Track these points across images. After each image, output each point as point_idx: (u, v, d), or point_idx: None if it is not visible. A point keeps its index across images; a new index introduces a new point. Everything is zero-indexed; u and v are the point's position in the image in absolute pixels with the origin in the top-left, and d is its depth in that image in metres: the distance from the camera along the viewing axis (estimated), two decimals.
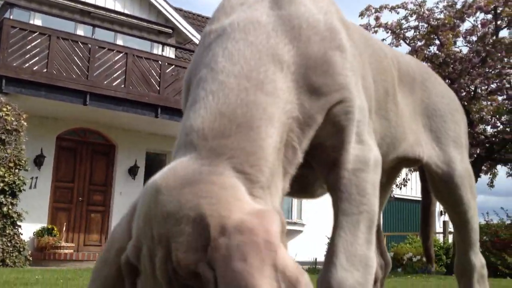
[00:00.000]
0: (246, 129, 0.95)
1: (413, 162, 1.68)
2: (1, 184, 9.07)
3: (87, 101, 10.77)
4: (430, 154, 1.66)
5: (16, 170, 9.37)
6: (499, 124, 13.24)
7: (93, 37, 11.91)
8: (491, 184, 12.83)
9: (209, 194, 0.87)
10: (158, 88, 11.79)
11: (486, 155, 11.87)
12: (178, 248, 0.84)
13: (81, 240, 12.06)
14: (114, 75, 11.23)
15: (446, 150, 1.69)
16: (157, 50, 13.44)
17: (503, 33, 11.76)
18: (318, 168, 1.21)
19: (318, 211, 14.03)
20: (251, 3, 1.12)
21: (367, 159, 1.15)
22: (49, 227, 11.26)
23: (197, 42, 13.00)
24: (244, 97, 0.97)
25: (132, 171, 12.77)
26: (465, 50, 11.95)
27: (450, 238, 16.22)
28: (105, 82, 11.06)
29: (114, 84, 11.19)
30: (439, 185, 1.72)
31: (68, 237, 11.72)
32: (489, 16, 11.46)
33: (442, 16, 11.61)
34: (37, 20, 12.06)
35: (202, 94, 1.00)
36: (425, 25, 11.73)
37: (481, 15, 11.55)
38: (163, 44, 13.58)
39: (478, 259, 1.82)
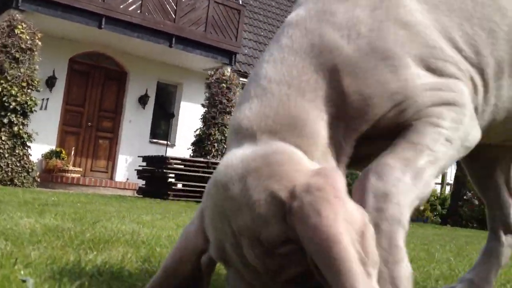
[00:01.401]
0: (293, 127, 1.01)
1: None
2: (13, 104, 9.00)
3: (102, 25, 10.53)
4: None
5: (29, 90, 9.27)
6: None
7: None
8: None
9: (271, 173, 0.92)
10: (174, 17, 11.50)
11: None
12: (261, 230, 0.90)
13: (88, 165, 12.11)
14: (130, 0, 10.93)
15: None
16: None
17: None
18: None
19: None
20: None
21: (454, 116, 1.08)
22: (58, 150, 11.27)
23: None
24: (286, 102, 1.03)
25: (142, 100, 12.66)
26: None
27: (448, 189, 16.43)
28: (121, 6, 10.77)
29: (130, 9, 10.90)
30: None
31: (75, 161, 11.76)
32: None
33: None
34: None
35: (247, 96, 1.08)
36: None
37: None
38: None
39: None
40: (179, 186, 9.76)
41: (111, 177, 12.25)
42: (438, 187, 16.74)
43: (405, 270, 0.93)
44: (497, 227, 1.68)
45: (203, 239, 1.04)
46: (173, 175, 9.94)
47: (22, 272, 1.32)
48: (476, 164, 1.67)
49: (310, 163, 0.96)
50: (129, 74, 12.61)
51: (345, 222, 0.84)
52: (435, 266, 2.65)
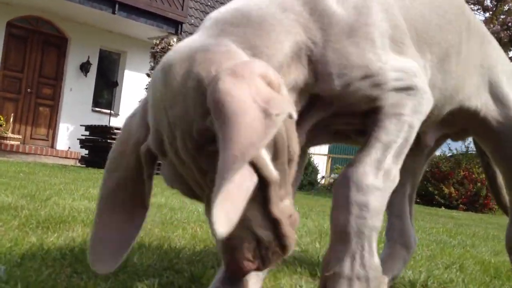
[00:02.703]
0: (256, 25, 0.99)
1: (469, 117, 1.56)
2: None
3: None
4: (490, 109, 1.56)
5: None
6: None
7: None
8: None
9: (205, 61, 0.89)
10: None
11: None
12: (194, 119, 0.87)
13: (28, 132, 11.74)
14: None
15: (508, 106, 1.57)
16: None
17: None
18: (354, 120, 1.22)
19: None
20: None
21: (413, 102, 1.16)
22: None
23: None
24: (263, 7, 1.02)
25: (84, 68, 12.32)
26: None
27: None
28: None
29: None
30: (500, 143, 1.60)
31: (14, 128, 11.37)
32: None
33: None
34: None
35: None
36: None
37: None
38: None
39: None
40: None
41: (52, 146, 11.94)
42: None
43: (374, 273, 1.05)
44: (395, 238, 1.73)
45: (145, 130, 1.00)
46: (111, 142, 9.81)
47: None
48: None
49: (245, 56, 0.95)
50: (70, 40, 12.20)
51: (261, 101, 0.81)
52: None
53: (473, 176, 12.07)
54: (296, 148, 0.96)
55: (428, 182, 11.71)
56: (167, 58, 0.95)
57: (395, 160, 1.12)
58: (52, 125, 12.07)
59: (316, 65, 1.07)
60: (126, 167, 1.04)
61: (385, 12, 1.16)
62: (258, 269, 0.96)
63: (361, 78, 1.10)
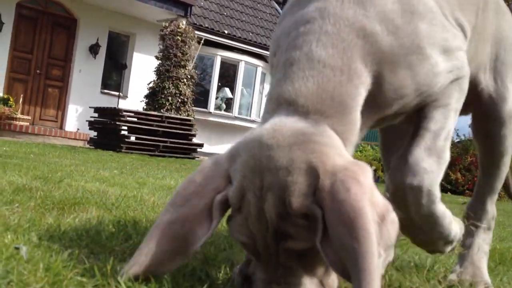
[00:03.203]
0: (342, 114, 1.11)
1: (471, 90, 1.52)
2: None
3: None
4: (488, 83, 1.59)
5: None
6: None
7: None
8: None
9: (316, 151, 1.02)
10: None
11: None
12: (291, 194, 0.99)
13: (37, 113, 11.83)
14: None
15: (504, 83, 1.60)
16: None
17: None
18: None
19: None
20: None
21: (458, 91, 1.30)
22: (5, 97, 10.93)
23: None
24: (339, 88, 1.12)
25: (93, 49, 12.35)
26: None
27: None
28: None
29: None
30: (484, 118, 1.63)
31: (24, 109, 11.45)
32: None
33: None
34: None
35: (300, 75, 1.13)
36: None
37: None
38: None
39: (493, 209, 1.73)
40: (132, 139, 9.73)
41: (61, 127, 12.03)
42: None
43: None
44: None
45: (226, 182, 1.10)
46: (126, 128, 9.88)
47: (9, 237, 1.38)
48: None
49: (346, 153, 1.08)
50: (79, 21, 12.22)
51: (370, 202, 0.96)
52: None
53: None
54: None
55: None
56: (268, 134, 1.06)
57: (444, 143, 1.25)
58: (61, 106, 12.14)
59: (378, 98, 1.19)
60: (194, 207, 1.11)
61: (432, 21, 1.23)
62: None
63: (415, 97, 1.23)
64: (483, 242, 1.69)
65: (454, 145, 12.55)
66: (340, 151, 1.05)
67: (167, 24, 11.58)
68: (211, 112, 14.28)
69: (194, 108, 12.00)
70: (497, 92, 1.59)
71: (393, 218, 1.00)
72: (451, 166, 11.91)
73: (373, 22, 1.16)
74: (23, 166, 3.89)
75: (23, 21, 11.52)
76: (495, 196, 1.74)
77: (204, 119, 13.58)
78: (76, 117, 12.14)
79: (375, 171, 14.22)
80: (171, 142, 10.00)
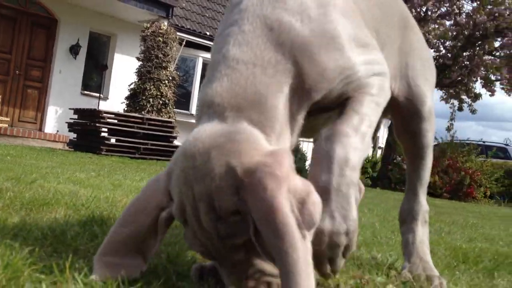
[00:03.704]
0: (257, 104, 1.17)
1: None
2: None
3: None
4: (401, 89, 1.74)
5: None
6: (442, 49, 13.68)
7: None
8: None
9: (232, 150, 1.08)
10: None
11: None
12: (218, 199, 1.06)
13: (16, 115, 11.72)
14: None
15: (419, 86, 1.76)
16: None
17: None
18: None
19: None
20: None
21: (379, 86, 1.35)
22: None
23: None
24: (252, 80, 1.18)
25: (74, 50, 12.28)
26: None
27: (379, 153, 17.18)
28: None
29: None
30: (407, 118, 1.76)
31: (2, 110, 11.34)
32: None
33: None
34: None
35: (217, 76, 1.21)
36: None
37: None
38: None
39: (425, 202, 1.83)
40: (113, 141, 9.68)
41: (40, 129, 11.93)
42: (370, 151, 17.40)
43: (354, 225, 1.18)
44: None
45: (167, 198, 1.18)
46: (106, 130, 9.84)
47: None
48: None
49: (265, 143, 1.13)
50: (60, 21, 12.15)
51: (287, 192, 1.01)
52: (360, 232, 2.85)
53: (457, 165, 12.24)
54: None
55: None
56: (191, 144, 1.12)
57: (367, 130, 1.27)
58: (41, 108, 12.04)
59: (303, 83, 1.23)
60: (140, 224, 1.20)
61: (347, 17, 1.32)
62: None
63: (339, 82, 1.27)
64: (424, 236, 1.77)
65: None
66: (257, 145, 1.10)
67: (148, 25, 11.56)
68: (193, 114, 14.27)
69: (175, 110, 11.98)
70: (414, 95, 1.75)
71: (314, 199, 1.06)
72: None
73: (289, 14, 1.24)
74: None
75: (2, 20, 11.41)
76: (425, 188, 1.85)
77: (186, 121, 13.56)
78: (56, 118, 12.04)
79: None
80: (152, 144, 9.97)
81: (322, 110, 1.34)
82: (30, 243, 1.44)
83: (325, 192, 1.15)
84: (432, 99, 1.82)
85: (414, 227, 1.78)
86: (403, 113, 1.76)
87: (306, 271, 0.96)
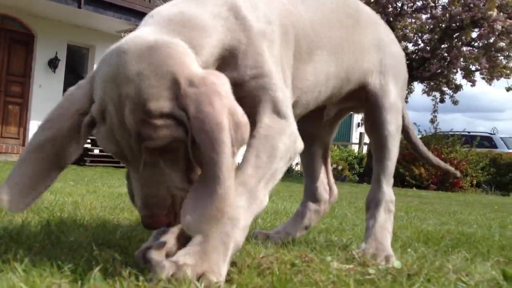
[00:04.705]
0: (197, 29, 1.24)
1: (361, 91, 1.83)
2: None
3: None
4: (375, 83, 1.82)
5: None
6: (420, 42, 13.78)
7: None
8: (406, 100, 13.51)
9: (174, 56, 1.12)
10: None
11: None
12: (150, 98, 1.08)
13: None
14: None
15: (386, 81, 1.84)
16: None
17: None
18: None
19: None
20: None
21: (281, 129, 1.31)
22: None
23: None
24: (201, 14, 1.27)
25: (53, 64, 12.23)
26: None
27: (365, 149, 17.28)
28: None
29: None
30: (373, 110, 1.84)
31: None
32: None
33: None
34: None
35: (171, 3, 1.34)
36: None
37: None
38: None
39: (390, 192, 1.87)
40: (96, 151, 9.67)
41: (23, 144, 11.86)
42: (356, 147, 17.44)
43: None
44: (307, 195, 2.06)
45: (89, 102, 1.19)
46: (89, 141, 9.81)
47: None
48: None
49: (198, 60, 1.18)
50: (37, 36, 12.10)
51: (229, 113, 1.08)
52: (328, 221, 2.88)
53: (442, 156, 12.33)
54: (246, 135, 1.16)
55: (399, 164, 11.91)
56: (122, 45, 1.14)
57: (264, 185, 1.24)
58: (23, 123, 11.98)
59: (237, 57, 1.30)
60: (60, 128, 1.20)
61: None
62: (170, 224, 1.17)
63: (254, 77, 1.30)
64: (385, 222, 1.81)
65: None
66: (194, 60, 1.15)
67: (126, 35, 11.51)
68: None
69: None
70: (381, 89, 1.83)
71: (245, 121, 1.13)
72: (414, 161, 12.12)
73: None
74: None
75: None
76: (391, 180, 1.90)
77: None
78: None
79: (341, 170, 14.40)
80: None
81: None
82: None
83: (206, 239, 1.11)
84: (397, 93, 1.87)
85: (375, 213, 1.82)
86: (370, 106, 1.84)
87: (230, 180, 1.04)
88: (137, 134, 1.10)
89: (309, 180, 2.05)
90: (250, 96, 1.30)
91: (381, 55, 1.85)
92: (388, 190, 1.86)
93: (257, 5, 1.38)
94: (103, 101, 1.13)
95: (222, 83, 1.12)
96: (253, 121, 1.28)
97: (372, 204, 1.85)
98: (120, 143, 1.14)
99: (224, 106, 1.07)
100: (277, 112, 1.32)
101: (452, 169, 2.39)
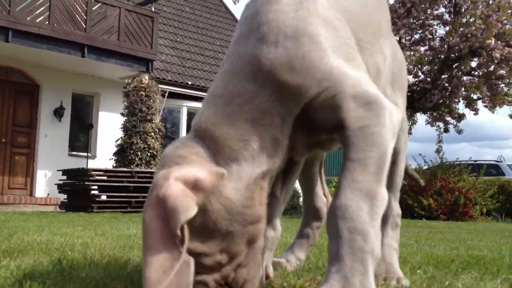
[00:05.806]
0: (209, 133, 1.25)
1: None
2: None
3: (9, 38, 10.28)
4: (390, 95, 1.80)
5: None
6: (420, 74, 13.92)
7: None
8: (409, 131, 13.56)
9: (166, 163, 1.24)
10: (84, 26, 11.38)
11: (407, 104, 12.50)
12: None
13: (5, 183, 11.73)
14: (38, 11, 10.72)
15: (396, 93, 1.85)
16: None
17: None
18: (327, 131, 1.36)
19: None
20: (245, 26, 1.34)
21: (376, 114, 1.23)
22: None
23: None
24: (225, 115, 1.25)
25: (58, 113, 12.42)
26: (391, 0, 12.34)
27: None
28: (28, 18, 10.54)
29: (37, 20, 10.69)
30: None
31: None
32: None
33: None
34: None
35: (203, 108, 1.33)
36: None
37: None
38: None
39: (396, 206, 1.85)
40: (103, 197, 9.68)
41: (31, 194, 11.93)
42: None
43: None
44: (308, 214, 2.04)
45: None
46: (96, 187, 9.84)
47: None
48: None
49: (203, 160, 1.21)
50: (42, 86, 12.33)
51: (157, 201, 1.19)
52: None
53: (450, 185, 12.27)
54: (255, 214, 1.21)
55: (407, 196, 11.87)
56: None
57: (378, 176, 1.17)
58: (30, 173, 12.07)
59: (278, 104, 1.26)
60: None
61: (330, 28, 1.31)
62: None
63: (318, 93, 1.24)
64: (392, 240, 1.80)
65: (423, 172, 12.76)
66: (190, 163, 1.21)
67: (130, 81, 11.74)
68: None
69: None
70: (392, 101, 1.73)
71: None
72: (422, 192, 12.06)
73: (258, 43, 1.26)
74: None
75: None
76: (397, 193, 1.88)
77: None
78: (46, 182, 12.06)
79: None
80: (143, 197, 9.94)
81: (320, 129, 1.33)
82: None
83: (338, 259, 1.09)
84: (403, 107, 1.87)
85: (383, 231, 1.78)
86: None
87: None
88: None
89: (309, 198, 2.03)
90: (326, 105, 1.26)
91: (395, 65, 1.83)
92: (395, 205, 1.85)
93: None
94: None
95: (165, 177, 1.21)
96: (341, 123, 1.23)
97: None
98: None
99: (152, 200, 1.23)
100: (359, 100, 1.23)
101: (418, 177, 2.53)
